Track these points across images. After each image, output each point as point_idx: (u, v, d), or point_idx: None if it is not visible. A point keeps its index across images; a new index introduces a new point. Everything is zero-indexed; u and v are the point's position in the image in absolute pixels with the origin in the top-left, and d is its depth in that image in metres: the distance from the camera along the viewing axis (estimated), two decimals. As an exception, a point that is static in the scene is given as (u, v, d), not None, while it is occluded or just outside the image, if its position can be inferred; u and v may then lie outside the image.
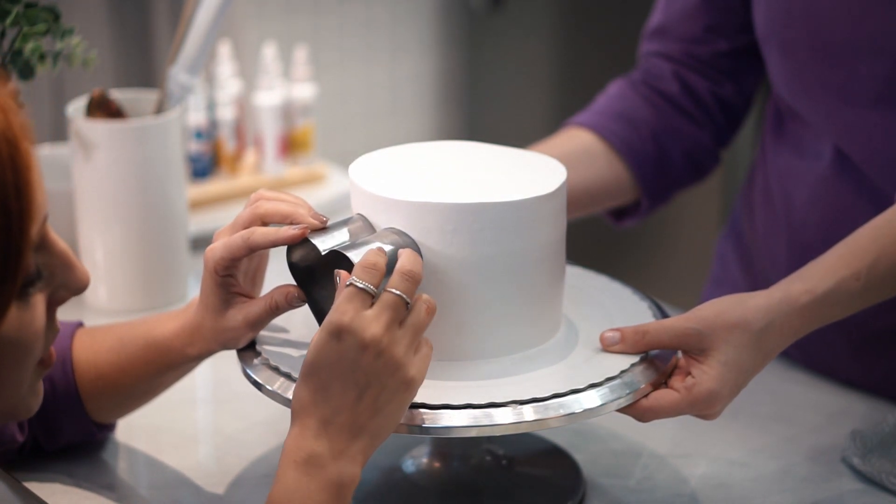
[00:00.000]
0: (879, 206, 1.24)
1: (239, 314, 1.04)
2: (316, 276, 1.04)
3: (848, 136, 1.25)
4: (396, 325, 0.93)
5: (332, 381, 0.92)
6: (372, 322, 0.92)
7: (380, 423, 0.93)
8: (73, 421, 1.13)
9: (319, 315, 1.04)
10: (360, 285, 0.93)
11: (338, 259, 1.00)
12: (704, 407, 1.02)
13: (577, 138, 1.40)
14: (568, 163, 1.34)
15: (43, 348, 0.85)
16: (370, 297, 0.93)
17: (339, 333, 0.92)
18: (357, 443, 0.92)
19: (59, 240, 0.83)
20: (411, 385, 0.94)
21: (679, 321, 1.03)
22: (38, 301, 0.82)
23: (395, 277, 0.94)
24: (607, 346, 1.04)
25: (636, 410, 1.02)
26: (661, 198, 1.43)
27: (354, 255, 0.98)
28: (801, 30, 1.24)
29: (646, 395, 1.02)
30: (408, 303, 0.94)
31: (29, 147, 0.79)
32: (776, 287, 1.05)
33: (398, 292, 0.93)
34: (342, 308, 0.92)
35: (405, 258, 0.96)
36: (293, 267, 1.04)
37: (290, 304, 1.03)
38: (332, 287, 1.04)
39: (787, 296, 1.04)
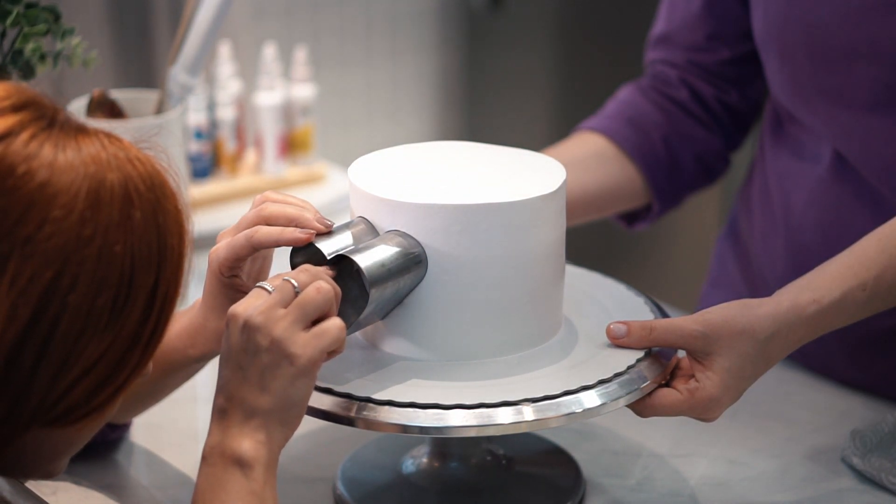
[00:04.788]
0: (877, 209, 1.24)
1: None
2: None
3: (845, 139, 1.25)
4: (279, 306, 0.92)
5: (224, 369, 0.93)
6: (253, 305, 0.92)
7: (270, 401, 0.91)
8: None
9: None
10: (262, 284, 0.94)
11: (343, 263, 1.00)
12: (704, 411, 1.03)
13: (589, 143, 1.40)
14: (581, 167, 1.35)
15: None
16: (266, 293, 0.94)
17: (227, 321, 0.93)
18: (251, 422, 0.91)
19: None
20: (294, 360, 0.91)
21: (686, 322, 1.03)
22: None
23: (293, 272, 0.95)
24: (613, 338, 1.05)
25: (637, 405, 1.03)
26: (673, 201, 1.44)
27: (360, 259, 0.98)
28: (798, 34, 1.24)
29: (648, 394, 1.02)
30: (295, 287, 0.93)
31: (190, 227, 0.86)
32: (783, 295, 1.05)
33: (287, 278, 0.93)
34: (239, 301, 0.94)
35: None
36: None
37: None
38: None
39: (795, 305, 1.04)
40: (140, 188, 0.82)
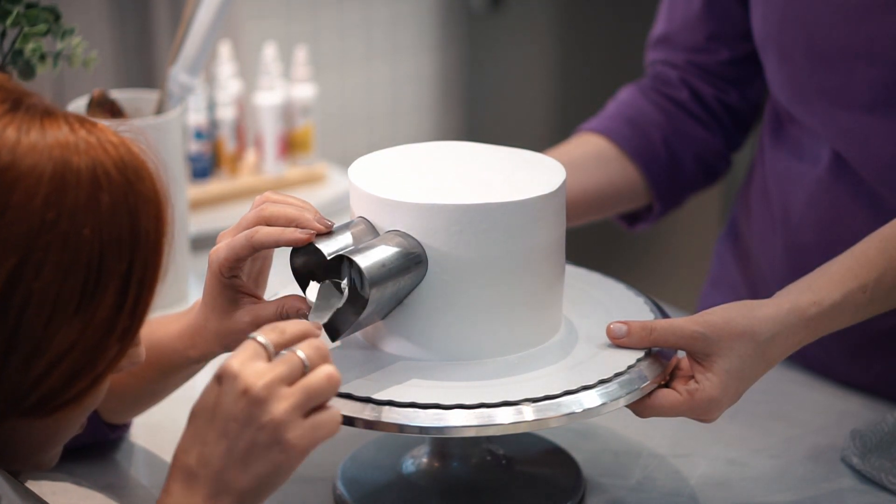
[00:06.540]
0: (875, 210, 1.24)
1: (247, 315, 1.03)
2: (318, 279, 1.04)
3: (844, 140, 1.25)
4: (285, 383, 0.85)
5: (207, 429, 0.85)
6: (257, 372, 0.84)
7: (247, 483, 0.84)
8: (86, 422, 1.13)
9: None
10: (260, 339, 0.86)
11: (342, 263, 1.00)
12: (703, 412, 1.03)
13: (589, 144, 1.40)
14: (581, 168, 1.35)
15: None
16: (266, 353, 0.86)
17: (221, 377, 0.85)
18: (220, 500, 0.84)
19: None
20: (286, 448, 0.84)
21: (687, 323, 1.03)
22: None
23: (303, 343, 0.87)
24: (613, 338, 1.05)
25: (637, 406, 1.03)
26: (674, 202, 1.44)
27: (360, 259, 0.98)
28: (797, 35, 1.24)
29: (647, 394, 1.02)
30: (306, 366, 0.86)
31: (170, 211, 0.83)
32: (784, 297, 1.05)
33: (299, 353, 0.86)
34: (234, 355, 0.86)
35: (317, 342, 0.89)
36: (296, 270, 1.04)
37: (299, 317, 1.03)
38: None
39: (796, 307, 1.04)
40: (111, 172, 0.80)
